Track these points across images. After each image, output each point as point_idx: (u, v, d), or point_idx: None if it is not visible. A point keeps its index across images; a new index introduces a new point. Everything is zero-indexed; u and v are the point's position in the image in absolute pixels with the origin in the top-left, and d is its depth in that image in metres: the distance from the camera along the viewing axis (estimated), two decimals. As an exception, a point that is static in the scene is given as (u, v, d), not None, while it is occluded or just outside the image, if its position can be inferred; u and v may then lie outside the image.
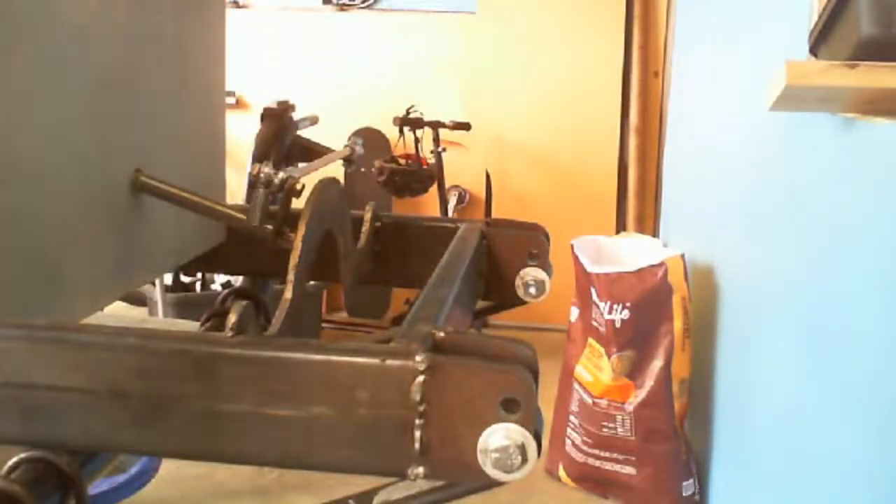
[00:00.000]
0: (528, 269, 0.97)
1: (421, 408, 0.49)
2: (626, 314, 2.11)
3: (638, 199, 3.60)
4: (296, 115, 1.48)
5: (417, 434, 0.50)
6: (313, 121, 1.61)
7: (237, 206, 0.93)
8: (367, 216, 0.98)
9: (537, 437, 0.49)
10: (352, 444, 0.51)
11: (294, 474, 2.22)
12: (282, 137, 1.41)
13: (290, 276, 0.64)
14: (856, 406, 1.16)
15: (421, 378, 0.49)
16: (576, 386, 2.28)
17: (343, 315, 3.82)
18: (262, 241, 0.90)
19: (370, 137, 3.62)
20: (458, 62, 3.81)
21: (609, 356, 2.15)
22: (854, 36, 0.96)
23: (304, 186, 0.87)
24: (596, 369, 2.20)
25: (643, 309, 2.11)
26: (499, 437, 0.49)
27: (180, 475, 2.23)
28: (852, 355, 1.17)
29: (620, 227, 3.65)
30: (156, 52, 0.90)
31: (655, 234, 3.43)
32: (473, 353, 0.51)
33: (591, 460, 2.21)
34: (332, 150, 1.48)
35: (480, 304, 1.00)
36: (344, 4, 3.91)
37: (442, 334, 0.53)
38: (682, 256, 2.16)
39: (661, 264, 2.11)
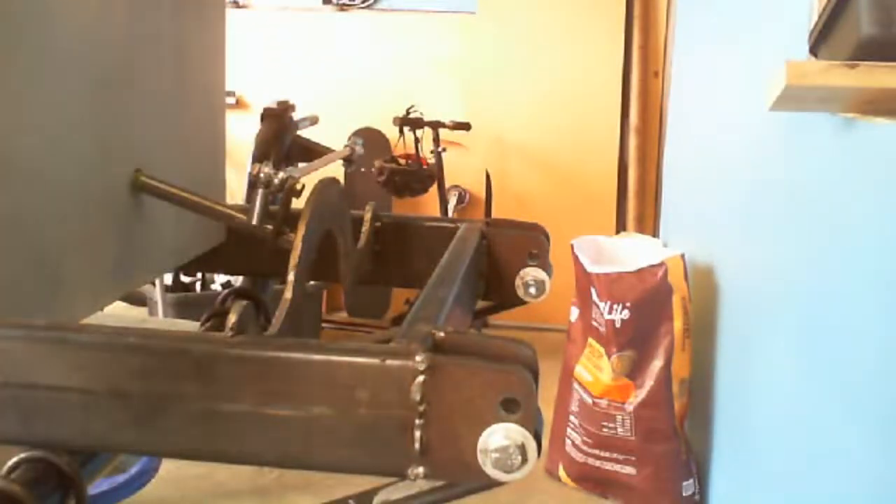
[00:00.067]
0: (528, 269, 0.97)
1: (421, 408, 0.49)
2: (626, 314, 2.12)
3: (638, 199, 3.60)
4: (296, 115, 1.48)
5: (417, 434, 0.50)
6: (313, 121, 1.61)
7: (237, 206, 0.93)
8: (367, 216, 0.98)
9: (537, 437, 0.49)
10: (352, 444, 0.51)
11: (294, 474, 2.22)
12: (282, 137, 1.41)
13: (290, 276, 0.64)
14: (856, 406, 1.16)
15: (421, 378, 0.49)
16: (576, 386, 2.28)
17: (343, 315, 3.82)
18: (262, 241, 0.90)
19: (370, 137, 3.62)
20: (458, 62, 3.81)
21: (609, 356, 2.15)
22: (854, 36, 0.96)
23: (304, 186, 0.87)
24: (596, 369, 2.20)
25: (643, 309, 2.11)
26: (499, 437, 0.49)
27: (180, 475, 2.23)
28: (852, 355, 1.17)
29: (620, 227, 3.65)
30: (155, 53, 0.90)
31: (655, 234, 3.43)
32: (473, 353, 0.51)
33: (591, 460, 2.21)
34: (332, 150, 1.48)
35: (480, 304, 1.00)
36: (344, 4, 3.91)
37: (442, 334, 0.53)
38: (682, 256, 2.16)
39: (661, 264, 2.11)
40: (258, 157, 1.38)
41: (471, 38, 3.79)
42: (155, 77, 0.90)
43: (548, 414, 2.36)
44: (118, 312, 2.78)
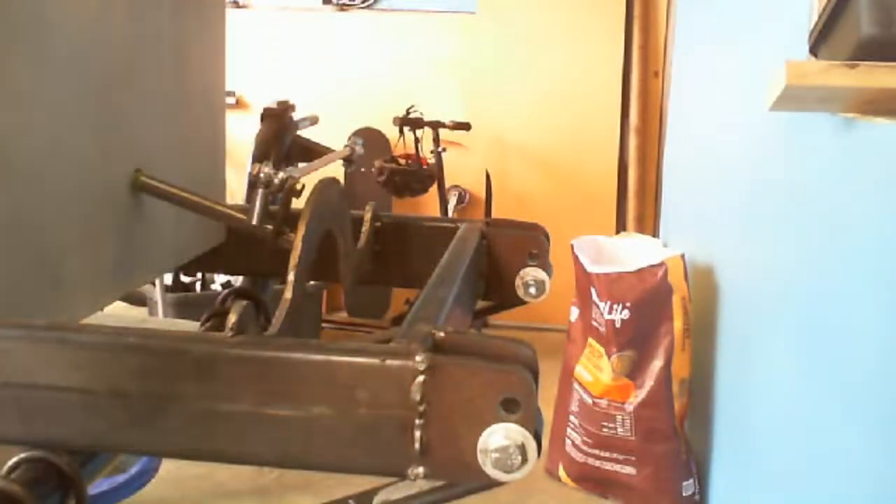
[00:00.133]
0: (528, 269, 0.97)
1: (421, 408, 0.49)
2: (626, 314, 2.12)
3: (638, 199, 3.60)
4: (296, 115, 1.48)
5: (417, 434, 0.50)
6: (313, 121, 1.61)
7: (237, 206, 0.93)
8: (367, 216, 0.98)
9: (537, 437, 0.49)
10: (352, 444, 0.51)
11: (294, 474, 2.22)
12: (282, 137, 1.41)
13: (290, 276, 0.64)
14: (856, 406, 1.16)
15: (421, 378, 0.49)
16: (576, 386, 2.28)
17: (343, 315, 3.82)
18: (262, 241, 0.90)
19: (370, 137, 3.62)
20: (458, 62, 3.81)
21: (609, 356, 2.15)
22: (854, 36, 0.96)
23: (304, 186, 0.87)
24: (596, 369, 2.20)
25: (643, 309, 2.11)
26: (499, 437, 0.49)
27: (180, 475, 2.23)
28: (852, 355, 1.17)
29: (620, 227, 3.65)
30: (155, 53, 0.90)
31: (655, 234, 3.43)
32: (473, 353, 0.51)
33: (591, 460, 2.21)
34: (332, 150, 1.48)
35: (480, 304, 1.00)
36: (344, 4, 3.91)
37: (442, 334, 0.53)
38: (682, 256, 2.16)
39: (661, 264, 2.11)
40: (258, 157, 1.38)
41: (471, 38, 3.79)
42: (155, 77, 0.90)
43: (548, 414, 2.36)
44: (118, 312, 2.78)
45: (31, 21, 0.67)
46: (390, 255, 1.03)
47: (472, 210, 3.84)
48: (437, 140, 3.50)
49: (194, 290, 3.04)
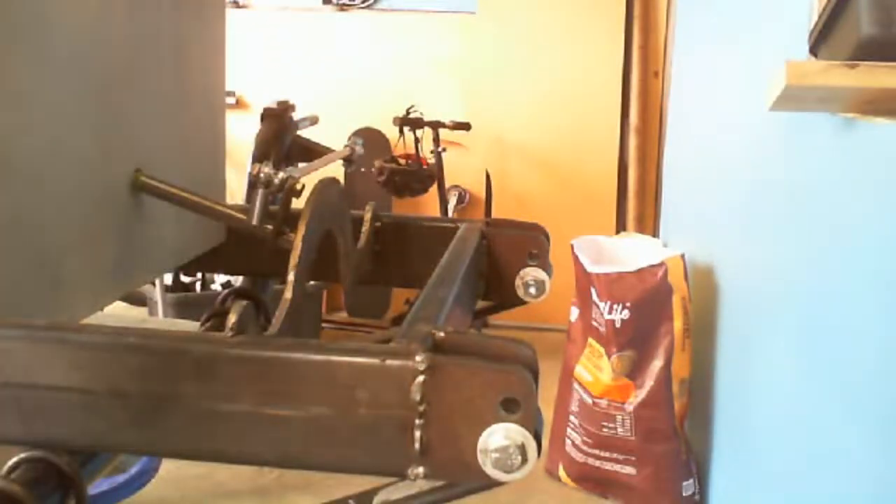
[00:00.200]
0: (528, 269, 0.97)
1: (421, 408, 0.49)
2: (626, 314, 2.12)
3: (638, 199, 3.60)
4: (296, 115, 1.48)
5: (417, 434, 0.50)
6: (313, 121, 1.61)
7: (237, 206, 0.93)
8: (367, 216, 0.98)
9: (537, 437, 0.49)
10: (352, 444, 0.51)
11: (294, 474, 2.22)
12: (282, 137, 1.41)
13: (290, 276, 0.64)
14: (856, 406, 1.16)
15: (421, 378, 0.49)
16: (576, 386, 2.28)
17: (343, 315, 3.82)
18: (262, 241, 0.90)
19: (370, 137, 3.62)
20: (458, 62, 3.81)
21: (609, 356, 2.15)
22: (854, 36, 0.96)
23: (304, 186, 0.87)
24: (596, 369, 2.20)
25: (643, 309, 2.11)
26: (499, 437, 0.49)
27: (180, 475, 2.23)
28: (852, 355, 1.17)
29: (620, 227, 3.65)
30: (155, 53, 0.90)
31: (655, 234, 3.43)
32: (473, 353, 0.51)
33: (591, 460, 2.21)
34: (332, 150, 1.48)
35: (480, 304, 1.00)
36: (344, 4, 3.91)
37: (442, 334, 0.53)
38: (682, 256, 2.16)
39: (661, 264, 2.11)
40: (258, 157, 1.38)
41: (471, 38, 3.79)
42: (155, 77, 0.90)
43: (548, 414, 2.36)
44: (118, 312, 2.78)
45: (31, 21, 0.67)
46: (390, 255, 1.03)
47: (472, 210, 3.84)
48: (437, 140, 3.50)
49: (194, 290, 3.04)
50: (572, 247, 2.33)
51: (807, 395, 1.36)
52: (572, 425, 2.29)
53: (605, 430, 2.16)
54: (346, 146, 1.56)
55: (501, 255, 0.98)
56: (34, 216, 0.69)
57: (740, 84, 2.02)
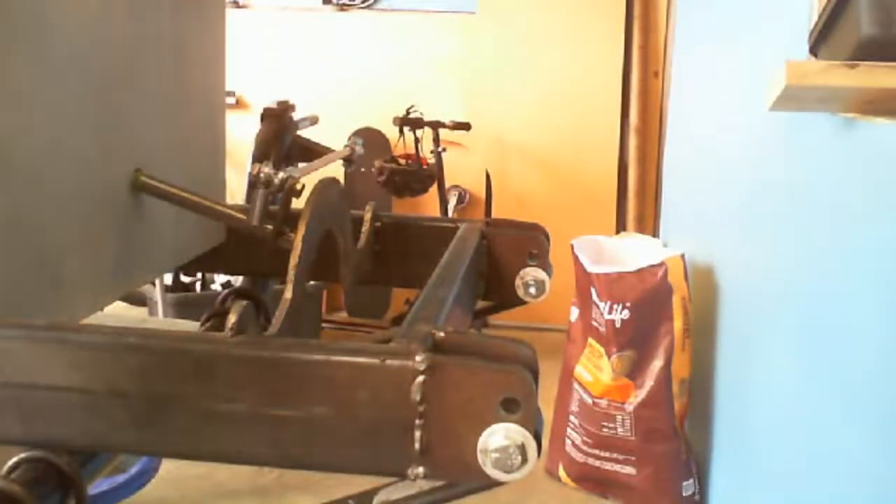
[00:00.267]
0: (528, 269, 0.97)
1: (421, 408, 0.49)
2: (626, 314, 2.12)
3: (638, 199, 3.60)
4: (296, 115, 1.48)
5: (417, 434, 0.50)
6: (313, 121, 1.61)
7: (237, 206, 0.93)
8: (367, 216, 0.97)
9: (537, 437, 0.49)
10: (352, 444, 0.51)
11: (294, 474, 2.22)
12: (282, 137, 1.41)
13: (290, 276, 0.64)
14: (856, 406, 1.15)
15: (421, 378, 0.49)
16: (576, 386, 2.28)
17: (343, 315, 3.82)
18: (262, 241, 0.90)
19: (370, 137, 3.62)
20: (458, 62, 3.81)
21: (609, 356, 2.15)
22: (854, 36, 0.96)
23: (304, 186, 0.87)
24: (596, 369, 2.20)
25: (643, 309, 2.11)
26: (499, 437, 0.49)
27: (180, 475, 2.23)
28: (852, 355, 1.17)
29: (620, 227, 3.65)
30: (155, 53, 0.90)
31: (655, 234, 3.43)
32: (473, 353, 0.51)
33: (591, 460, 2.21)
34: (332, 150, 1.47)
35: (480, 304, 1.00)
36: (344, 4, 3.91)
37: (442, 334, 0.53)
38: (682, 256, 2.16)
39: (661, 264, 2.11)
40: (258, 157, 1.38)
41: (471, 38, 3.79)
42: (155, 77, 0.90)
43: (548, 414, 2.36)
44: (118, 312, 2.78)
45: (31, 21, 0.67)
46: (390, 255, 1.03)
47: (472, 210, 3.84)
48: (437, 140, 3.50)
49: (194, 290, 3.04)
50: (572, 247, 2.33)
51: (807, 395, 1.36)
52: (572, 425, 2.29)
53: (605, 430, 2.16)
54: (346, 146, 1.56)
55: (501, 255, 0.98)
56: (34, 216, 0.69)
57: (740, 84, 2.02)
